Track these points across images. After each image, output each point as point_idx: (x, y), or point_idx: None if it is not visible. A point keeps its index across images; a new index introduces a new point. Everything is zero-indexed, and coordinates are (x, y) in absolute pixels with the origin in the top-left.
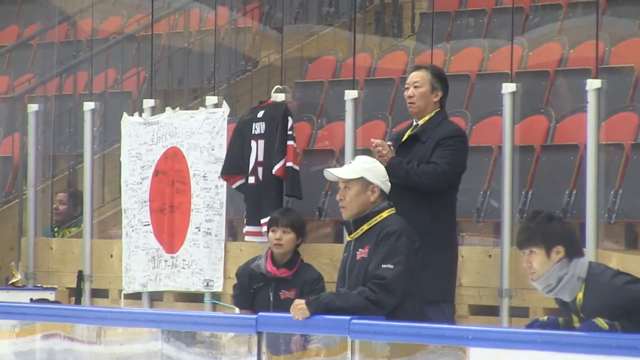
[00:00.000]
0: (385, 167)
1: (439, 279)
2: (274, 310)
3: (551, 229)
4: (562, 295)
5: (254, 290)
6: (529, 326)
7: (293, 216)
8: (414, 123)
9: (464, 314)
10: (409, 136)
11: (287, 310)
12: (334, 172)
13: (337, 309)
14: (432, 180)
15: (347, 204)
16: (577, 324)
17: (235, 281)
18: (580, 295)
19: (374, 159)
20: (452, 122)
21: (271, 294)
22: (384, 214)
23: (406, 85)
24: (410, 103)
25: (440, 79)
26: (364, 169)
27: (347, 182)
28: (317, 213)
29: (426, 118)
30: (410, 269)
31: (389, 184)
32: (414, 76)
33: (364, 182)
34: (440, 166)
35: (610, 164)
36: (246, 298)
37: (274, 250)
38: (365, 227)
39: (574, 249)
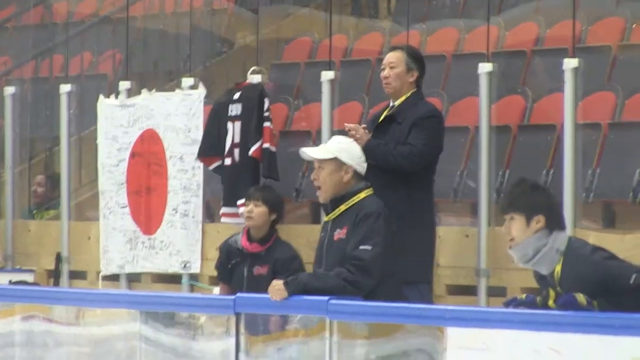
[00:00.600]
0: (362, 150)
1: (416, 260)
2: (248, 285)
3: (534, 197)
4: (539, 268)
5: (231, 265)
6: (507, 304)
7: (266, 191)
8: (391, 104)
9: (442, 294)
10: (385, 117)
11: (260, 286)
12: (308, 152)
13: (315, 289)
14: (409, 161)
15: (321, 184)
16: (552, 301)
17: (212, 262)
18: (558, 269)
19: (350, 140)
20: (429, 102)
21: (245, 269)
22: (362, 195)
23: (382, 66)
24: (385, 84)
25: (416, 59)
26: (338, 149)
27: (321, 162)
28: (294, 194)
29: (402, 99)
30: (387, 250)
31: (365, 164)
32: (390, 57)
33: (337, 163)
34: (416, 147)
35: (587, 143)
36: (225, 273)
37: (246, 223)
38: (342, 207)
39: (555, 221)
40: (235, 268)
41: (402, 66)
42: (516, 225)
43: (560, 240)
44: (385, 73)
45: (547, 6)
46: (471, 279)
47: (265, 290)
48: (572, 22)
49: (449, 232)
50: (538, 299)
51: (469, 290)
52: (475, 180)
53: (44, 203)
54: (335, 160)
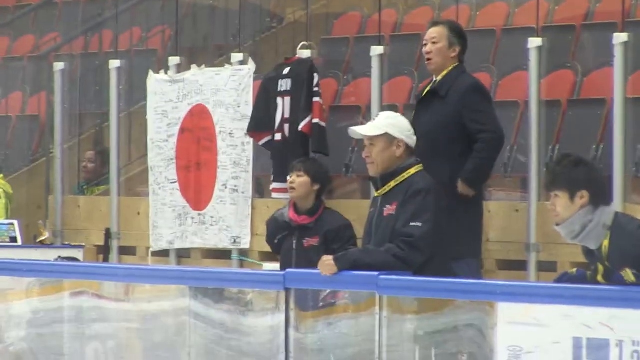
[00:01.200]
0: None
1: (464, 235)
2: (298, 258)
3: (576, 173)
4: (587, 243)
5: (278, 240)
6: (558, 279)
7: (309, 162)
8: (434, 79)
9: (492, 269)
10: (428, 92)
11: (312, 258)
12: (358, 130)
13: (365, 265)
14: (494, 145)
15: (374, 160)
16: (600, 276)
17: (262, 237)
18: (605, 243)
19: (398, 114)
20: (470, 75)
21: (294, 242)
22: (412, 171)
23: (424, 42)
24: (428, 59)
25: (458, 34)
26: (387, 125)
27: (372, 139)
28: (344, 169)
29: (444, 73)
30: (437, 227)
31: (414, 137)
32: (432, 32)
33: (388, 138)
34: (490, 131)
35: (637, 117)
36: (275, 246)
37: (290, 195)
38: (392, 183)
39: (599, 196)
40: (283, 242)
41: (444, 41)
42: (560, 202)
43: (606, 215)
44: (427, 48)
45: None
46: (521, 254)
47: (316, 263)
48: None
49: (499, 207)
50: (588, 273)
51: (519, 265)
52: (525, 155)
53: (94, 179)
54: (386, 135)
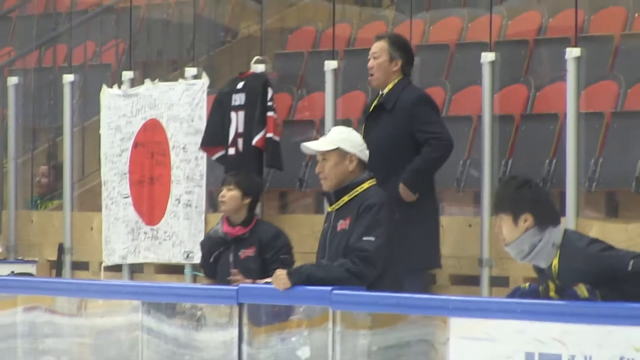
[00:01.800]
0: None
1: (422, 246)
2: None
3: (519, 196)
4: (537, 262)
5: (215, 257)
6: (511, 294)
7: (239, 176)
8: (381, 93)
9: (445, 284)
10: (375, 106)
11: (249, 268)
12: (310, 146)
13: (319, 280)
14: (442, 150)
15: (327, 175)
16: (552, 292)
17: None
18: (555, 262)
19: (350, 129)
20: (416, 87)
21: (231, 255)
22: (365, 185)
23: (368, 57)
24: (370, 75)
25: (399, 47)
26: (340, 139)
27: (324, 153)
28: (298, 184)
29: (389, 87)
30: (390, 241)
31: (367, 152)
32: (374, 47)
33: (340, 152)
34: (439, 138)
35: (590, 132)
36: (210, 268)
37: (221, 209)
38: (346, 198)
39: (545, 218)
40: (220, 257)
41: (384, 56)
42: (505, 225)
43: (555, 234)
44: (369, 64)
45: None
46: (474, 269)
47: (254, 273)
48: (575, 11)
49: (452, 221)
50: (540, 288)
51: (472, 280)
52: (478, 170)
53: (47, 193)
54: (338, 150)
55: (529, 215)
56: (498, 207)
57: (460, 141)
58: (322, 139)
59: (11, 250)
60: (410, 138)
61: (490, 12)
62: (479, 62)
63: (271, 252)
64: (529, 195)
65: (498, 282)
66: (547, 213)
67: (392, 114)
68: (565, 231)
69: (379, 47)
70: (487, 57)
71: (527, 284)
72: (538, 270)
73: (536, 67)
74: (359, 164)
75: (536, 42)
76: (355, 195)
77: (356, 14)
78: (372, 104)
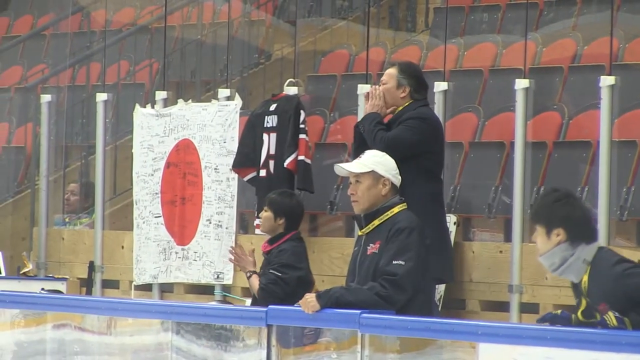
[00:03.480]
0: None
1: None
2: None
3: (553, 210)
4: (567, 276)
5: None
6: (541, 319)
7: (274, 197)
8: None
9: (475, 310)
10: (382, 126)
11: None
12: (344, 167)
13: (348, 303)
14: (379, 145)
15: (359, 198)
16: (580, 312)
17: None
18: (585, 278)
19: (384, 153)
20: (426, 108)
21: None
22: (395, 210)
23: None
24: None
25: (408, 74)
26: (374, 162)
27: (358, 176)
28: (329, 207)
29: (399, 109)
30: (420, 265)
31: (400, 177)
32: (384, 74)
33: (374, 176)
34: (389, 135)
35: (622, 161)
36: None
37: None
38: (376, 222)
39: (577, 234)
40: None
41: (392, 82)
42: (539, 236)
43: (587, 251)
44: (378, 91)
45: (585, 23)
46: (504, 295)
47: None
48: (610, 39)
49: (482, 247)
50: (572, 316)
51: (502, 306)
52: (509, 196)
53: (76, 211)
54: (372, 173)
55: (561, 231)
56: (533, 218)
57: (492, 167)
58: (356, 162)
59: (41, 268)
60: (411, 155)
61: (525, 39)
62: (512, 89)
63: (272, 266)
64: (563, 211)
65: (528, 308)
66: (580, 230)
67: None
68: (600, 249)
69: (387, 74)
70: (521, 83)
71: (559, 311)
72: (573, 285)
73: (570, 94)
74: (392, 189)
75: (570, 69)
76: (386, 219)
77: (390, 39)
78: None
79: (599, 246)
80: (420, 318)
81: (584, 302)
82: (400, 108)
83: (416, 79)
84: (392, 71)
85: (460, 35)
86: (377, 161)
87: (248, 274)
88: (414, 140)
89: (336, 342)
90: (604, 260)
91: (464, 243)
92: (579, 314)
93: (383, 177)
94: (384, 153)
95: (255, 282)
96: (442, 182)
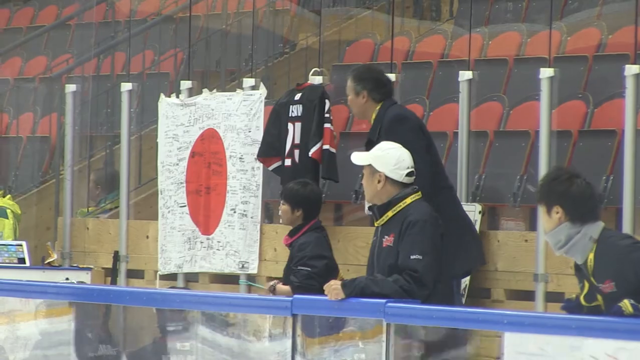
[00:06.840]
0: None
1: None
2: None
3: (551, 188)
4: (572, 255)
5: None
6: (563, 307)
7: (287, 190)
8: None
9: (500, 299)
10: (366, 142)
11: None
12: (352, 156)
13: (372, 293)
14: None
15: (364, 189)
16: (582, 296)
17: (270, 262)
18: (591, 256)
19: (394, 146)
20: (396, 107)
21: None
22: (408, 200)
23: None
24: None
25: (360, 79)
26: (373, 156)
27: (363, 167)
28: (354, 196)
29: (373, 117)
30: (438, 256)
31: (402, 172)
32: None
33: (371, 170)
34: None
35: None
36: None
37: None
38: (390, 213)
39: (577, 213)
40: None
41: (351, 93)
42: (542, 215)
43: (593, 229)
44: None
45: (609, 12)
46: (529, 284)
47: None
48: (635, 28)
49: (507, 236)
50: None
51: (527, 295)
52: (534, 185)
53: (100, 201)
54: (369, 166)
55: (559, 208)
56: (537, 197)
57: (517, 156)
58: (356, 153)
59: (66, 257)
60: None
61: (550, 28)
62: (537, 78)
63: (294, 262)
64: (561, 188)
65: (553, 297)
66: (578, 208)
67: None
68: (604, 228)
69: (347, 87)
70: (546, 72)
71: (574, 295)
72: (576, 268)
73: (594, 83)
74: (394, 184)
75: (595, 58)
76: (399, 211)
77: (414, 28)
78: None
79: (604, 226)
80: (445, 307)
81: (586, 286)
82: (374, 116)
83: (371, 80)
84: (348, 83)
85: (484, 24)
86: (375, 155)
87: (271, 288)
88: (421, 141)
89: (361, 332)
90: (611, 237)
91: (489, 232)
92: (581, 298)
93: (378, 172)
94: (393, 146)
95: (283, 288)
96: (444, 170)
